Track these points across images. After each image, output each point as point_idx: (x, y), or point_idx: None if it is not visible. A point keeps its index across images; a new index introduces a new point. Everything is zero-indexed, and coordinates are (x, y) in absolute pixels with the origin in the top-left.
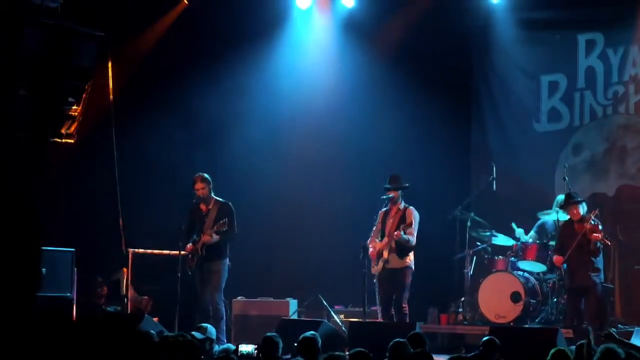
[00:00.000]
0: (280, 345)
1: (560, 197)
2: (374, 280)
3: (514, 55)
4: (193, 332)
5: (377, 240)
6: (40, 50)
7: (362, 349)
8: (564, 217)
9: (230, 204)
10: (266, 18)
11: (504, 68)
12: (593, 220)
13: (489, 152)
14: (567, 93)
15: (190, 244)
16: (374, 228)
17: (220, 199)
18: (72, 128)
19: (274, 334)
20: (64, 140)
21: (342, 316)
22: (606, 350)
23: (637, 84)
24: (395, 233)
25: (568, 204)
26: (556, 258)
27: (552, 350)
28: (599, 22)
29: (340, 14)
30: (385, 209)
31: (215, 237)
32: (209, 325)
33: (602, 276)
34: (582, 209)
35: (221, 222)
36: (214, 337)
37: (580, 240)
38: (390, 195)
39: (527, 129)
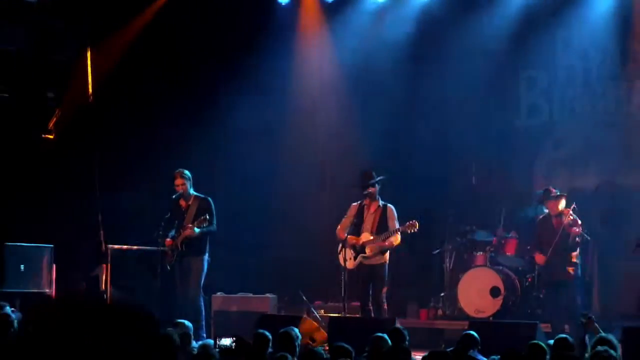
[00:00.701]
0: (299, 339)
1: (540, 193)
2: (345, 273)
3: (494, 49)
4: (169, 329)
5: (347, 234)
6: (18, 46)
7: (342, 344)
8: (543, 211)
9: (210, 199)
10: (249, 7)
11: (484, 63)
12: (572, 214)
13: (469, 146)
14: (547, 88)
15: (170, 239)
16: (344, 220)
17: (200, 195)
18: (51, 123)
19: (265, 331)
20: (43, 136)
21: (322, 311)
22: (600, 339)
23: (617, 80)
24: (388, 240)
25: (547, 199)
26: (538, 257)
27: (529, 344)
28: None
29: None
30: (359, 202)
31: (197, 230)
32: (185, 321)
33: (579, 271)
34: (562, 204)
35: (202, 217)
36: (191, 332)
37: (559, 235)
38: (370, 192)
39: (506, 123)
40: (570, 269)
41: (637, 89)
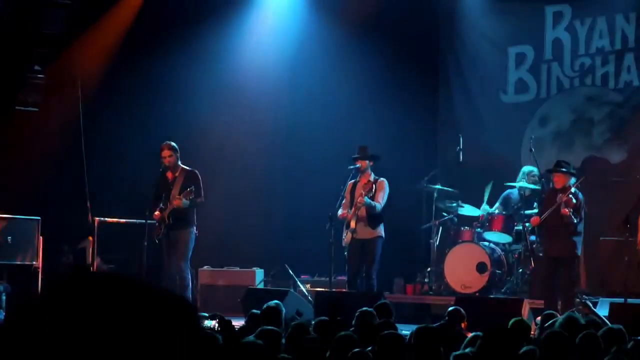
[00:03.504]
0: (284, 313)
1: (527, 168)
2: (332, 248)
3: (482, 26)
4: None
5: (347, 211)
6: (5, 17)
7: (328, 318)
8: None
9: (197, 171)
10: None
11: (472, 39)
12: (571, 193)
13: (456, 123)
14: (534, 64)
15: (158, 212)
16: (342, 199)
17: (187, 167)
18: (38, 96)
19: (277, 302)
20: (28, 108)
21: (308, 286)
22: (568, 318)
23: (604, 55)
24: (359, 199)
25: (553, 170)
26: (534, 218)
27: (512, 321)
28: None
29: None
30: (354, 180)
31: (186, 202)
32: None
33: (579, 249)
34: (568, 180)
35: (188, 189)
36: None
37: (556, 209)
38: (357, 165)
39: (494, 100)
40: (568, 247)
41: (626, 64)
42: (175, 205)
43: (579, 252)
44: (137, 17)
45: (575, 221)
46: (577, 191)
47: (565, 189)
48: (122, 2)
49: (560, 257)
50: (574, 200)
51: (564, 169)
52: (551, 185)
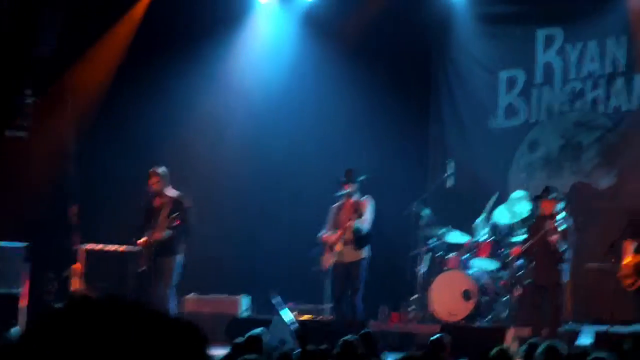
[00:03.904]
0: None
1: (516, 194)
2: (321, 275)
3: (473, 50)
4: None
5: (330, 233)
6: None
7: (314, 347)
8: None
9: (184, 197)
10: (226, 12)
11: (463, 63)
12: (559, 220)
13: (446, 147)
14: (525, 89)
15: (144, 239)
16: (327, 223)
17: (175, 194)
18: (28, 120)
19: (260, 330)
20: (18, 133)
21: (294, 314)
22: (548, 347)
23: (595, 79)
24: (348, 223)
25: (542, 197)
26: (515, 249)
27: (495, 350)
28: (559, 16)
29: (300, 8)
30: (339, 203)
31: (168, 232)
32: None
33: (565, 276)
34: (556, 206)
35: (172, 217)
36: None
37: (543, 237)
38: (346, 191)
39: (484, 124)
40: (555, 274)
41: (615, 89)
42: (157, 239)
43: (566, 278)
44: (129, 42)
45: (563, 249)
46: (565, 218)
47: (553, 216)
48: (114, 28)
49: (547, 284)
50: (562, 227)
51: (551, 196)
52: (540, 212)
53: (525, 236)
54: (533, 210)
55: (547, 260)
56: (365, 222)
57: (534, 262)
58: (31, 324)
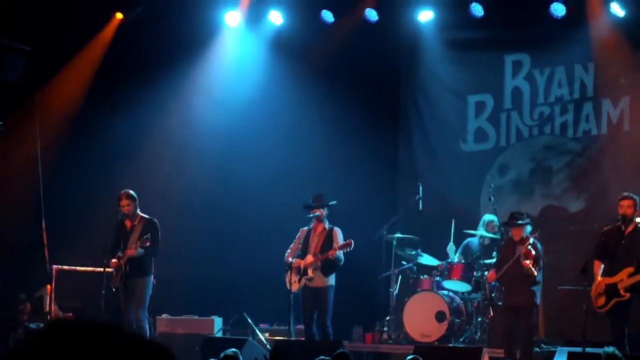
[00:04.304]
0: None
1: (487, 217)
2: (291, 296)
3: (442, 74)
4: None
5: (294, 257)
6: None
7: None
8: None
9: (155, 220)
10: (195, 35)
11: (432, 87)
12: (530, 244)
13: (416, 171)
14: (494, 113)
15: (115, 260)
16: (292, 245)
17: (146, 216)
18: None
19: (234, 350)
20: None
21: (267, 334)
22: None
23: (563, 104)
24: (331, 252)
25: (509, 225)
26: (490, 274)
27: None
28: (526, 43)
29: (268, 32)
30: (308, 227)
31: (140, 251)
32: None
33: (538, 298)
34: (525, 230)
35: (143, 238)
36: None
37: (515, 261)
38: (317, 214)
39: (453, 148)
40: (527, 297)
41: (584, 114)
42: (130, 255)
43: (538, 301)
44: (97, 67)
45: (535, 273)
46: (536, 241)
47: (523, 240)
48: (82, 52)
49: (519, 306)
50: (533, 252)
51: (519, 222)
52: (509, 235)
53: (495, 259)
54: (502, 235)
55: (520, 284)
56: (334, 252)
57: (506, 286)
58: (12, 348)
